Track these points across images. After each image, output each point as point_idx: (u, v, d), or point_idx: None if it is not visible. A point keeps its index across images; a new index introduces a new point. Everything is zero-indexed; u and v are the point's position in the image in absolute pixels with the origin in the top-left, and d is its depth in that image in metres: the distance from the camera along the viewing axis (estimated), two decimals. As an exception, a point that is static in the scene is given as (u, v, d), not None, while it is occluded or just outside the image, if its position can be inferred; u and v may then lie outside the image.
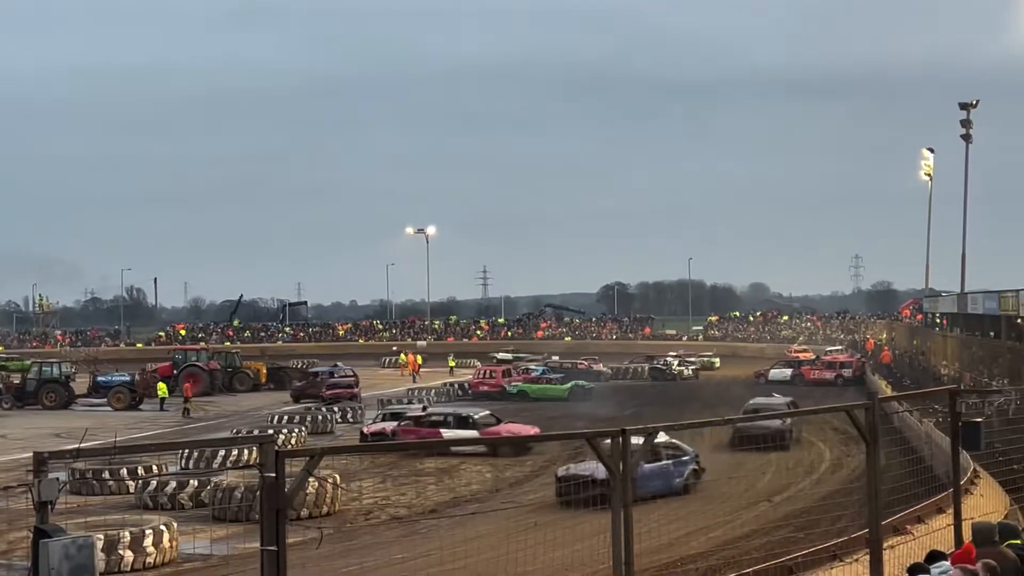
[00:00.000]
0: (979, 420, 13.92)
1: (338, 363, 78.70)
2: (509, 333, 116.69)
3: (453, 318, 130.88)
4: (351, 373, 62.67)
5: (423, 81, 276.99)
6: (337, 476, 26.99)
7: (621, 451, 8.48)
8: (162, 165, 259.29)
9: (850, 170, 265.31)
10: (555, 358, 77.52)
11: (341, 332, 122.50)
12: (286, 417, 46.17)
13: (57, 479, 7.51)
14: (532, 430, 36.78)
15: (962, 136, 60.04)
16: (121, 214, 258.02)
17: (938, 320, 70.12)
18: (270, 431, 35.70)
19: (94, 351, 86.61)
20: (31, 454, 7.73)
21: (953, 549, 11.14)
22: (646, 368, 74.18)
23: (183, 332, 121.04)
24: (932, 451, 26.28)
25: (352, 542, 23.62)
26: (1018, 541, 10.30)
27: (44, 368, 60.85)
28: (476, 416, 38.42)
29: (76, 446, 8.68)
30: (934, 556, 9.70)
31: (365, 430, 41.10)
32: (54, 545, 7.08)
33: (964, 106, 59.40)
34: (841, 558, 14.13)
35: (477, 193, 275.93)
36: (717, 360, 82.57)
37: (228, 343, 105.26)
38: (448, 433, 35.82)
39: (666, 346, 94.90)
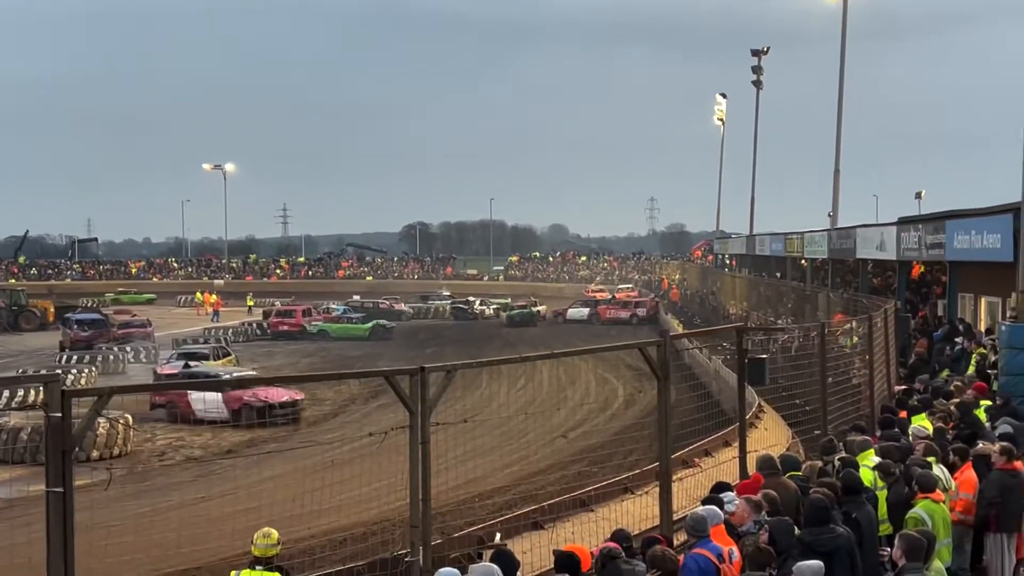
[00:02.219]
0: (764, 357, 14.49)
1: (88, 303, 76.27)
2: (310, 272, 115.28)
3: (252, 257, 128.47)
4: (102, 315, 58.32)
5: (225, 13, 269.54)
6: (129, 417, 26.31)
7: (420, 389, 8.51)
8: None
9: (648, 115, 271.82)
10: (356, 297, 77.17)
11: (134, 270, 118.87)
12: (75, 356, 44.72)
13: None
14: (291, 395, 32.53)
15: (753, 82, 61.79)
16: None
17: (727, 261, 72.60)
18: (58, 371, 34.47)
19: None
20: None
21: (739, 480, 11.62)
22: (448, 307, 74.67)
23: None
24: (720, 387, 27.30)
25: (145, 483, 23.16)
26: (798, 472, 10.83)
27: None
28: (226, 375, 34.58)
29: None
30: (720, 487, 10.10)
31: (159, 370, 40.12)
32: None
33: (756, 53, 61.00)
34: (633, 491, 14.60)
35: (277, 130, 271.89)
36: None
37: (13, 280, 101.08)
38: (195, 395, 31.95)
39: (467, 286, 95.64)
